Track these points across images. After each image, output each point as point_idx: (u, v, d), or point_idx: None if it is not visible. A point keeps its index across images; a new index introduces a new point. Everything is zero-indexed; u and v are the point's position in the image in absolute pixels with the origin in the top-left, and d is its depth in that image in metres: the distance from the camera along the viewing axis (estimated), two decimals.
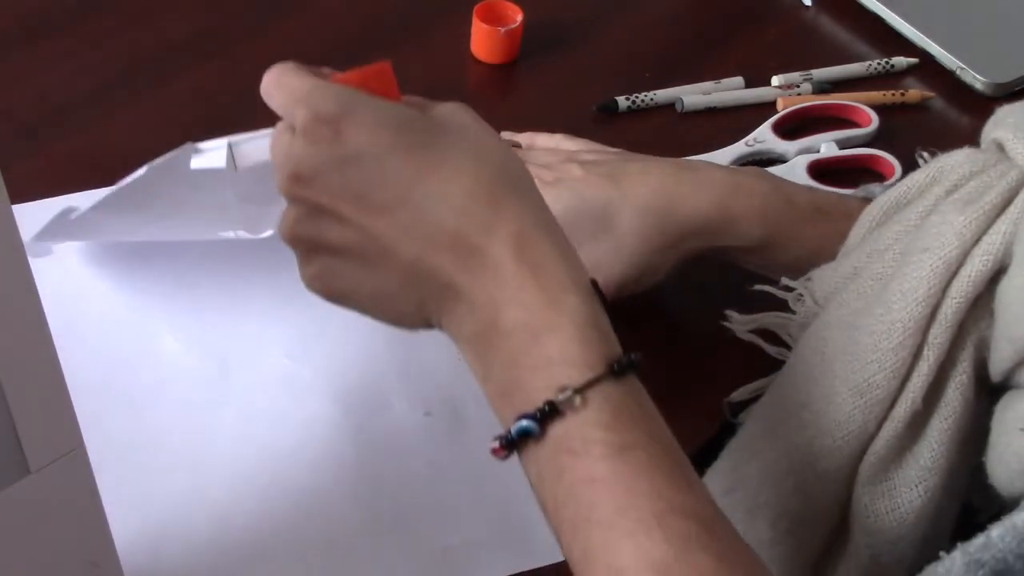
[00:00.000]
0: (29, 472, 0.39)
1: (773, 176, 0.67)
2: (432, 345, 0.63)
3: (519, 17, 0.85)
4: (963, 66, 0.89)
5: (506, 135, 0.76)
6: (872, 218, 0.59)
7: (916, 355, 0.50)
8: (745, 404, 0.63)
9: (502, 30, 0.85)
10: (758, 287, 0.63)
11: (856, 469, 0.53)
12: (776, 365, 0.62)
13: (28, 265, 0.35)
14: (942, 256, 0.50)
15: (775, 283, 0.63)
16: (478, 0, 0.85)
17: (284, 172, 0.47)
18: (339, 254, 0.47)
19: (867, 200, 0.65)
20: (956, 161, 0.55)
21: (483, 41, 0.86)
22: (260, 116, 0.79)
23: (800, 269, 0.64)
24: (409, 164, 0.45)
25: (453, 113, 0.48)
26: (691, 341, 0.71)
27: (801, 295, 0.60)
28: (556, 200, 0.65)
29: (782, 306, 0.62)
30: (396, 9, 0.90)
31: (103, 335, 0.66)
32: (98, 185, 0.72)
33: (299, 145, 0.47)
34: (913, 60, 0.91)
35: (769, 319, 0.63)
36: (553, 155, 0.69)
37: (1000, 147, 0.55)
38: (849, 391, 0.52)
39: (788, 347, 0.61)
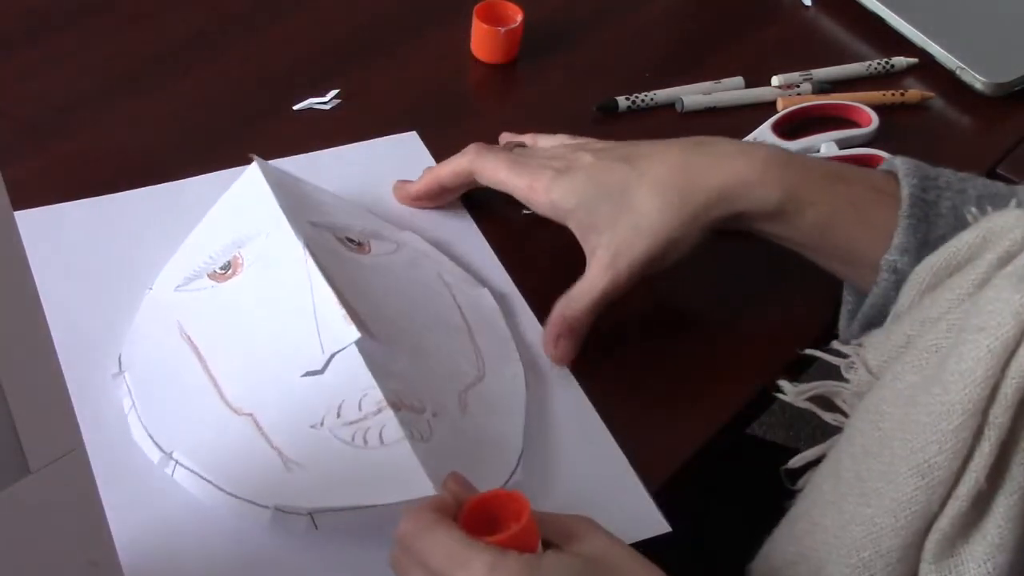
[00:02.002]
0: (29, 472, 0.39)
1: (787, 149, 0.68)
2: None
3: (519, 17, 0.85)
4: (963, 66, 0.89)
5: (507, 136, 0.76)
6: (921, 280, 0.58)
7: (977, 435, 0.49)
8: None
9: (502, 30, 0.85)
10: (808, 351, 0.62)
11: (921, 546, 0.52)
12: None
13: (28, 265, 0.35)
14: (999, 336, 0.48)
15: (822, 348, 0.63)
16: (478, 0, 0.85)
17: None
18: None
19: (890, 173, 0.65)
20: (1006, 224, 0.54)
21: (483, 41, 0.86)
22: (260, 117, 0.80)
23: (820, 235, 0.64)
24: None
25: (604, 553, 0.52)
26: (706, 333, 0.71)
27: (853, 363, 0.60)
28: (571, 188, 0.66)
29: (835, 372, 0.62)
30: (396, 9, 0.90)
31: (104, 332, 0.66)
32: (99, 187, 0.73)
33: None
34: (913, 60, 0.91)
35: (823, 388, 0.62)
36: (562, 146, 0.70)
37: None
38: (910, 471, 0.51)
39: (843, 412, 0.60)
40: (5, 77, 0.80)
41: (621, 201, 0.65)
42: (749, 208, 0.65)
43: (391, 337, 0.64)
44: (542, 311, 0.69)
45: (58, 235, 0.70)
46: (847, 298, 0.68)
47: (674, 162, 0.65)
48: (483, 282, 0.71)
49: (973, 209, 0.60)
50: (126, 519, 0.57)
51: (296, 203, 0.68)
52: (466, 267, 0.72)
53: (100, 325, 0.65)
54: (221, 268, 0.66)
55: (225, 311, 0.65)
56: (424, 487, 0.56)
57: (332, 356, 0.61)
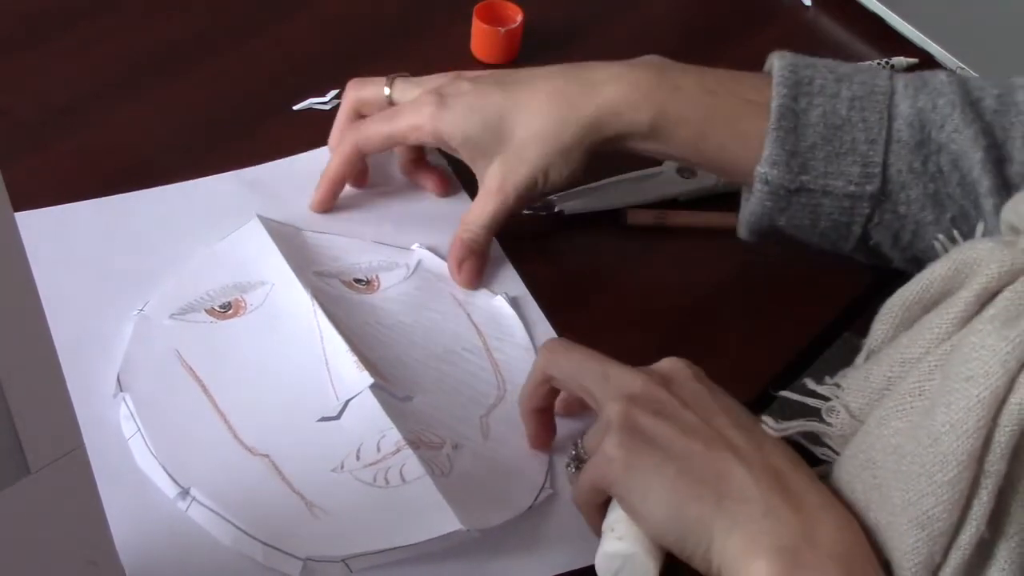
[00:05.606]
0: (29, 472, 0.39)
1: (663, 64, 0.68)
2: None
3: (519, 17, 0.85)
4: (963, 66, 0.88)
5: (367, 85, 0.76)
6: (894, 315, 0.57)
7: (974, 485, 0.49)
8: None
9: (502, 30, 0.85)
10: (784, 394, 0.61)
11: None
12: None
13: (28, 265, 0.36)
14: (988, 386, 0.48)
15: (799, 389, 0.61)
16: (478, 0, 0.85)
17: (647, 377, 0.57)
18: (662, 439, 0.54)
19: (769, 75, 0.65)
20: (979, 256, 0.52)
21: (483, 41, 0.86)
22: (260, 117, 0.80)
23: (693, 149, 0.66)
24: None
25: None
26: (707, 334, 0.71)
27: (834, 407, 0.58)
28: (452, 120, 0.68)
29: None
30: (396, 9, 0.90)
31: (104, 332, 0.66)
32: (99, 187, 0.73)
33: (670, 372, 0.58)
34: (913, 60, 0.91)
35: (805, 427, 0.60)
36: (442, 77, 0.72)
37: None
38: (910, 523, 0.50)
39: (832, 448, 0.59)
40: (5, 77, 0.80)
41: (501, 130, 0.68)
42: (622, 131, 0.67)
43: (406, 378, 0.64)
44: (552, 313, 0.70)
45: (60, 236, 0.69)
46: (743, 194, 0.69)
47: (548, 90, 0.68)
48: (496, 287, 0.71)
49: (941, 237, 0.59)
50: (126, 519, 0.57)
51: (299, 255, 0.69)
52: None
53: (101, 327, 0.65)
54: (221, 307, 0.66)
55: (228, 348, 0.65)
56: (450, 522, 0.57)
57: (347, 402, 0.62)
